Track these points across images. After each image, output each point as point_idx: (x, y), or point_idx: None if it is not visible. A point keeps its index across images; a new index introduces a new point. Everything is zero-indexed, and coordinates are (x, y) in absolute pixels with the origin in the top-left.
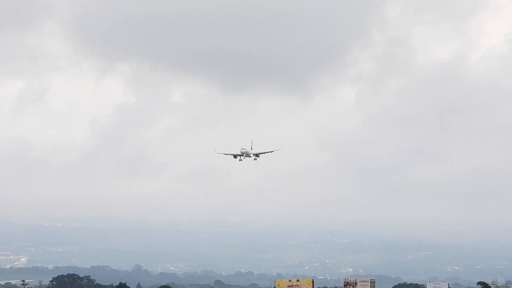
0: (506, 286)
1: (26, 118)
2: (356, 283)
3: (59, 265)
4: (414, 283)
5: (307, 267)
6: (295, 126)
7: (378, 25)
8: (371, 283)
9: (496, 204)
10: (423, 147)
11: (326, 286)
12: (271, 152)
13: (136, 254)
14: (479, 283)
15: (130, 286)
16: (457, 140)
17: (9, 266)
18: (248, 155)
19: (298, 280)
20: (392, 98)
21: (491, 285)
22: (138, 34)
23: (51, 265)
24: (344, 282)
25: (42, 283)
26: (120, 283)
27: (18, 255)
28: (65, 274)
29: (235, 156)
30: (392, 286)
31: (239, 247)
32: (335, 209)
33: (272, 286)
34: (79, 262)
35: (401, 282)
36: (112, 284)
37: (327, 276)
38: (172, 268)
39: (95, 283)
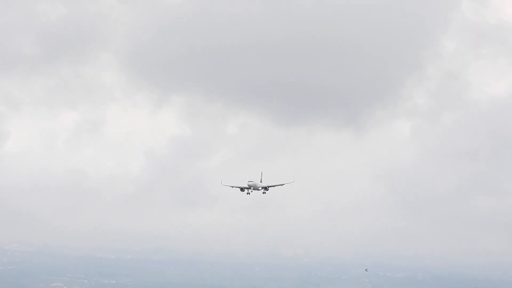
0: None
1: (82, 149)
2: None
3: None
4: None
5: None
6: (350, 159)
7: (433, 60)
8: None
9: None
10: (479, 180)
11: None
12: (281, 185)
13: (190, 287)
14: None
15: None
16: None
17: None
18: (256, 188)
19: None
20: (447, 132)
21: None
22: (192, 66)
23: None
24: None
25: None
26: None
27: (71, 286)
28: None
29: (242, 189)
30: None
31: (292, 281)
32: (390, 242)
33: None
34: None
35: None
36: None
37: None
38: None
39: None
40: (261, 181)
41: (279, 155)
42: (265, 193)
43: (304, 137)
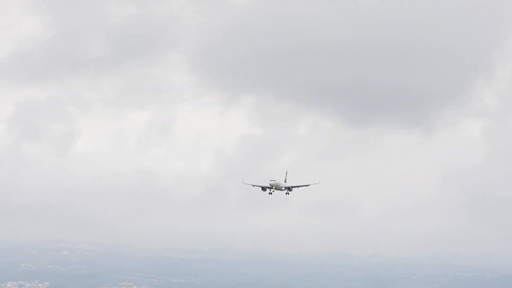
0: None
1: (151, 150)
2: None
3: None
4: None
5: None
6: (419, 160)
7: (503, 61)
8: None
9: None
10: None
11: None
12: (306, 186)
13: (259, 287)
14: None
15: None
16: None
17: None
18: (278, 188)
19: None
20: None
21: None
22: (261, 66)
23: None
24: None
25: None
26: None
27: (140, 286)
28: None
29: (263, 189)
30: None
31: (361, 281)
32: (458, 242)
33: None
34: None
35: None
36: None
37: None
38: None
39: None
40: (285, 181)
41: (349, 156)
42: (288, 193)
43: (374, 138)
